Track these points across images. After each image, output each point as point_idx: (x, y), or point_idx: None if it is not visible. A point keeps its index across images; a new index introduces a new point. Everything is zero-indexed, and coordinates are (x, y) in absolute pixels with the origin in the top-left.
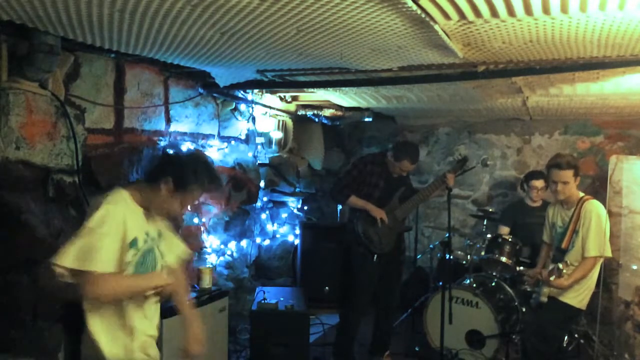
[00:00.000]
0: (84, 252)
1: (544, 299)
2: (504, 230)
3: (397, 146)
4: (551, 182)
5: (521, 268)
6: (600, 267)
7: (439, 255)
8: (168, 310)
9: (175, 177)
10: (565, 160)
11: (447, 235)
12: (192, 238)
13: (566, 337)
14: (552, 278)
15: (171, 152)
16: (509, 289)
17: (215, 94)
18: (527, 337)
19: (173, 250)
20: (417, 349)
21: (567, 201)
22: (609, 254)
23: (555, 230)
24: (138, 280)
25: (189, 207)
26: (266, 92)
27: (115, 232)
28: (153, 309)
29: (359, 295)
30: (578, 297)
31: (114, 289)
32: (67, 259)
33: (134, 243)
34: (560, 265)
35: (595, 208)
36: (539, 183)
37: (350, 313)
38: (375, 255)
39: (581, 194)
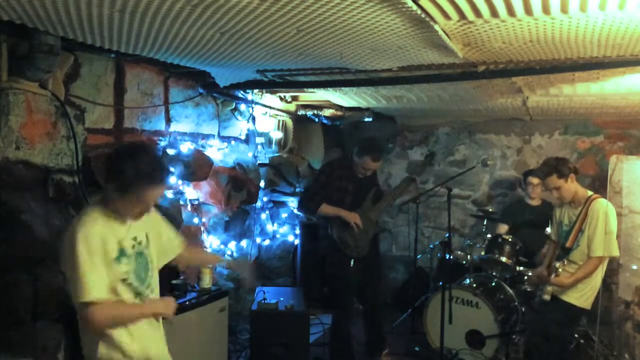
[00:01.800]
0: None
1: (547, 297)
2: (503, 228)
3: (360, 144)
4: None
5: (521, 268)
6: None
7: (439, 255)
8: None
9: (116, 183)
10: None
11: (447, 235)
12: (192, 238)
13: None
14: (552, 277)
15: (114, 152)
16: (509, 289)
17: (215, 94)
18: (531, 337)
19: (167, 249)
20: (417, 349)
21: (575, 200)
22: (616, 253)
23: (561, 228)
24: (137, 309)
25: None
26: (266, 92)
27: (100, 257)
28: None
29: (341, 300)
30: (582, 297)
31: (112, 317)
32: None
33: (122, 254)
34: (557, 264)
35: (602, 207)
36: (535, 180)
37: (338, 317)
38: (352, 260)
39: (589, 193)
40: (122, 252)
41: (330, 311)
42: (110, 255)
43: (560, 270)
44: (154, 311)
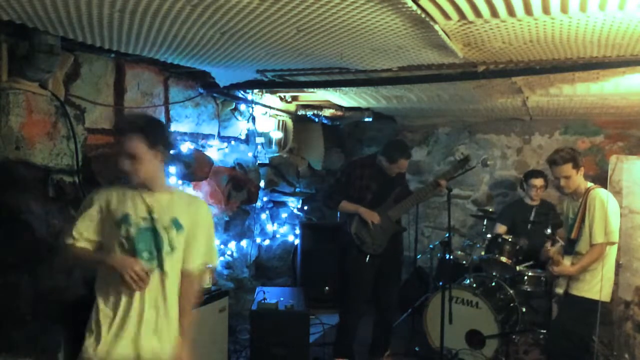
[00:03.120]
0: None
1: (560, 291)
2: (502, 228)
3: (388, 150)
4: (554, 179)
5: (521, 268)
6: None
7: (439, 255)
8: None
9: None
10: (560, 155)
11: (447, 235)
12: None
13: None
14: (555, 267)
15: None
16: (509, 289)
17: (215, 94)
18: (552, 338)
19: (193, 256)
20: (417, 349)
21: (576, 192)
22: (615, 239)
23: (567, 221)
24: (97, 256)
25: None
26: (266, 92)
27: (92, 209)
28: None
29: (354, 296)
30: (593, 289)
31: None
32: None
33: (124, 219)
34: (548, 246)
35: (598, 195)
36: (538, 182)
37: (347, 314)
38: (368, 256)
39: (589, 184)
40: (124, 219)
41: (336, 310)
42: (113, 216)
43: (551, 251)
44: (110, 264)
